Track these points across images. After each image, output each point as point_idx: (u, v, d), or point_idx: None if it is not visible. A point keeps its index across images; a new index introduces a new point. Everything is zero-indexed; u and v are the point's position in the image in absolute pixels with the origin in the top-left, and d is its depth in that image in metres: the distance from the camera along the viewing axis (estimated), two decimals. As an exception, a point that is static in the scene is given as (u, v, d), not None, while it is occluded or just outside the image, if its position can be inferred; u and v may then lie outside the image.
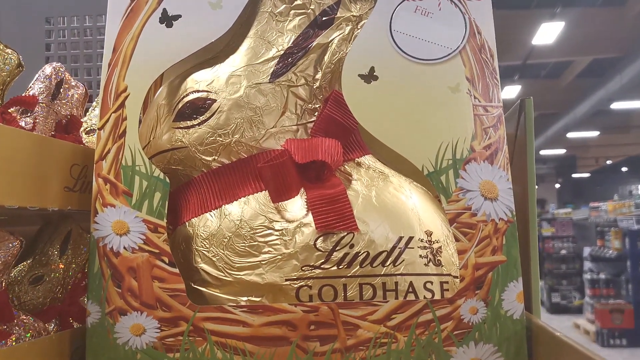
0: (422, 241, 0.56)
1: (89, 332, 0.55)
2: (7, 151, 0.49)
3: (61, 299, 0.65)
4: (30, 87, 0.66)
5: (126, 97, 0.59)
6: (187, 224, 0.60)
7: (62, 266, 0.65)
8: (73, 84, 0.70)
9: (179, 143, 0.60)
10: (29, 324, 0.56)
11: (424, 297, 0.55)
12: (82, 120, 0.72)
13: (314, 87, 0.61)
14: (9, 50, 0.56)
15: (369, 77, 0.59)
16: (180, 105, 0.60)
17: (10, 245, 0.56)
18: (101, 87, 0.60)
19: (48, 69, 0.67)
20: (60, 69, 0.68)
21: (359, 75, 0.59)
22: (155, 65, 0.60)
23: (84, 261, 0.68)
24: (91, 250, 0.56)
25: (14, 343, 0.52)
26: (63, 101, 0.68)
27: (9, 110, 0.58)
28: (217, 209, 0.59)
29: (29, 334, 0.55)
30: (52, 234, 0.66)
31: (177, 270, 0.56)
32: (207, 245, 0.57)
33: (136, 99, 0.59)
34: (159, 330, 0.55)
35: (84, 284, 0.68)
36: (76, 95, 0.70)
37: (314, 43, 0.62)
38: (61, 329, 0.63)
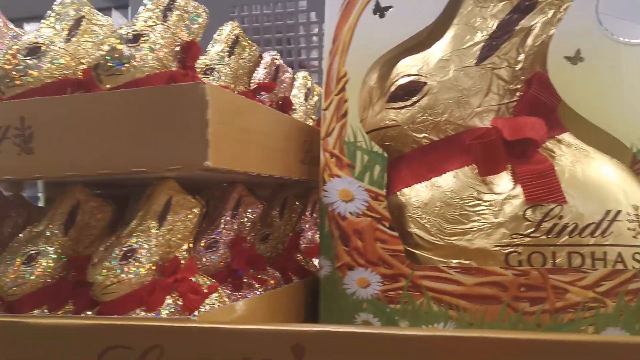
0: (629, 214, 0.59)
1: (323, 282, 0.65)
2: (267, 127, 0.59)
3: (281, 254, 0.76)
4: (256, 72, 0.76)
5: (346, 82, 0.67)
6: (398, 193, 0.67)
7: (283, 227, 0.76)
8: (285, 69, 0.80)
9: (392, 122, 0.67)
10: (271, 274, 0.67)
11: (633, 267, 0.58)
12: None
13: (516, 69, 0.66)
14: (253, 46, 0.66)
15: (575, 58, 0.62)
16: (393, 88, 0.67)
17: (256, 208, 0.67)
18: (324, 73, 0.68)
19: (267, 57, 0.78)
20: (276, 57, 0.78)
21: (565, 57, 0.63)
22: (370, 52, 0.68)
23: (294, 224, 0.79)
24: (321, 214, 0.66)
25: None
26: (279, 85, 0.78)
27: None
28: (427, 180, 0.66)
29: (272, 281, 0.67)
30: (273, 200, 0.77)
31: (396, 234, 0.64)
32: (420, 213, 0.65)
33: (355, 83, 0.67)
34: (382, 284, 0.63)
35: (295, 243, 0.78)
36: (288, 79, 0.80)
37: (517, 27, 0.65)
38: (283, 280, 0.74)
